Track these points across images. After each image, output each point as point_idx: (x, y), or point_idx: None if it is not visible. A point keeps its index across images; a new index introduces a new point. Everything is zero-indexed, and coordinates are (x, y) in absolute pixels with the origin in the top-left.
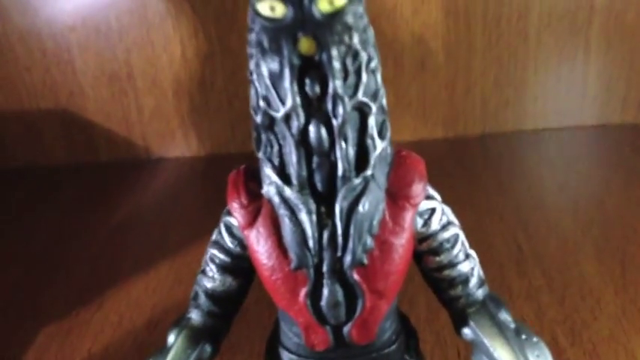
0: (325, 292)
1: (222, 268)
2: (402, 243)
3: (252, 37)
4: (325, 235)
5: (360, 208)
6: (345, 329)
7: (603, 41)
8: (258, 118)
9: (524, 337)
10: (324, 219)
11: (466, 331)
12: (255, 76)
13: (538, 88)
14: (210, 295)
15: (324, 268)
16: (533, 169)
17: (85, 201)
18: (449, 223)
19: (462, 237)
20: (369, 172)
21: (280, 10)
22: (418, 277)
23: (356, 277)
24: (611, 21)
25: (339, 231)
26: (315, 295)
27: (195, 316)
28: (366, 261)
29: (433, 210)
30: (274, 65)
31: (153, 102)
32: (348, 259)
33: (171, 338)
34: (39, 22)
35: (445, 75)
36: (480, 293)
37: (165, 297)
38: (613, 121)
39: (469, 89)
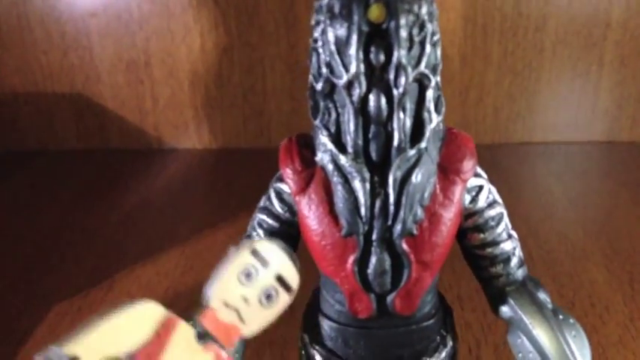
0: (373, 260)
1: (270, 233)
2: (450, 216)
3: (323, 2)
4: (377, 203)
5: (413, 178)
6: (389, 298)
7: (617, 58)
8: (319, 85)
9: (561, 317)
10: (377, 188)
11: (505, 309)
12: (319, 43)
13: (550, 101)
14: None
15: (374, 237)
16: (542, 180)
17: (95, 186)
18: (495, 202)
19: (506, 217)
20: (423, 145)
21: None
22: None
23: (405, 246)
24: (626, 38)
25: (391, 200)
26: (362, 262)
27: None
28: (415, 231)
29: (481, 187)
30: (342, 31)
31: (168, 92)
32: (398, 228)
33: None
34: (60, 5)
35: (459, 82)
36: (519, 273)
37: (176, 282)
38: (622, 138)
39: (482, 98)
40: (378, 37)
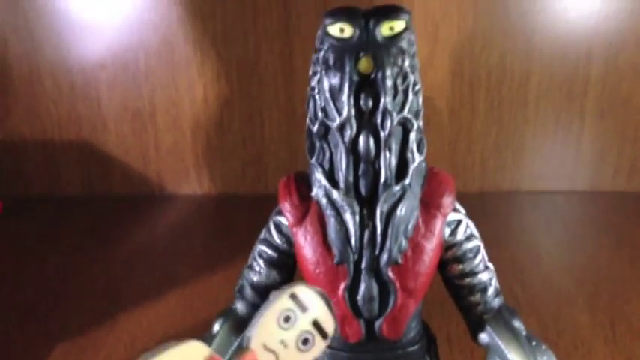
0: (362, 286)
1: (269, 262)
2: (432, 247)
3: (319, 56)
4: (366, 234)
5: (398, 212)
6: (377, 323)
7: (597, 111)
8: (315, 128)
9: (534, 343)
10: (366, 220)
11: (483, 336)
12: (316, 91)
13: (535, 152)
14: (256, 287)
15: (363, 265)
16: (529, 227)
17: (98, 230)
18: (472, 235)
19: (483, 249)
20: (407, 182)
21: (348, 32)
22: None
23: (390, 274)
24: (606, 92)
25: (379, 231)
26: (352, 289)
27: (240, 306)
28: (400, 260)
29: (459, 222)
30: (336, 80)
31: (171, 140)
32: (384, 257)
33: (216, 326)
34: (71, 58)
35: (448, 133)
36: (496, 302)
37: (176, 323)
38: (604, 188)
39: (470, 148)
40: (367, 86)
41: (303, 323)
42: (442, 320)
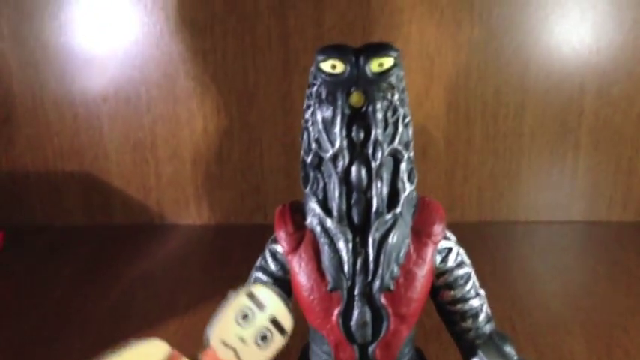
0: (355, 312)
1: None
2: (423, 274)
3: (313, 90)
4: (359, 261)
5: (390, 239)
6: (370, 349)
7: (591, 142)
8: (309, 159)
9: None
10: (359, 247)
11: None
12: (309, 124)
13: (530, 183)
14: None
15: (356, 291)
16: (526, 256)
17: (99, 259)
18: (463, 262)
19: (474, 276)
20: (398, 210)
21: (340, 68)
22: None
23: (383, 300)
24: (600, 124)
25: (371, 258)
26: (346, 315)
27: None
28: (392, 286)
29: (450, 249)
30: (328, 113)
31: (171, 170)
32: (377, 283)
33: None
34: (74, 90)
35: (445, 164)
36: (487, 327)
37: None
38: (599, 218)
39: (467, 179)
40: (358, 119)
41: (261, 320)
42: (439, 349)
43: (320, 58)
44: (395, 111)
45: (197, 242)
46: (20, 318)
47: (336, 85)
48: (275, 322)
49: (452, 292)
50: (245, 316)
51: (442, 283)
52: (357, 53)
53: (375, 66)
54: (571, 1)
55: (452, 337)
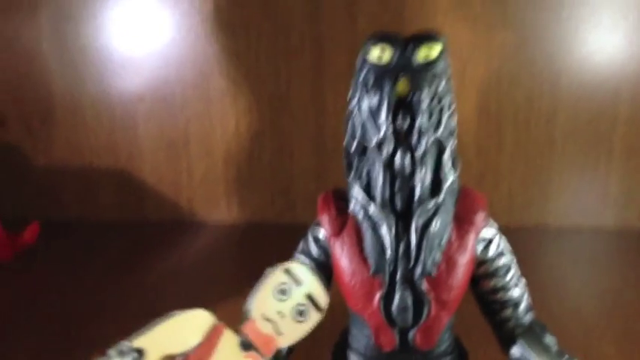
0: (397, 297)
1: None
2: (464, 262)
3: (359, 78)
4: (401, 247)
5: (432, 226)
6: (411, 333)
7: (625, 151)
8: (354, 146)
9: (565, 358)
10: (401, 234)
11: (514, 351)
12: (355, 111)
13: (562, 189)
14: None
15: (398, 276)
16: (556, 262)
17: (131, 254)
18: (504, 252)
19: (515, 266)
20: (441, 198)
21: (388, 56)
22: None
23: (424, 286)
24: (633, 132)
25: (413, 244)
26: (387, 299)
27: None
28: (434, 273)
29: (491, 239)
30: (374, 101)
31: (203, 169)
32: (419, 269)
33: None
34: (111, 91)
35: (475, 169)
36: (527, 318)
37: None
38: (631, 225)
39: (497, 184)
40: (403, 107)
41: (298, 296)
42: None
43: (369, 45)
44: (440, 100)
45: (226, 240)
46: (51, 311)
47: (383, 73)
48: (311, 299)
49: (492, 282)
50: (283, 291)
51: (483, 273)
52: (405, 41)
53: (422, 54)
54: (603, 11)
55: (491, 328)
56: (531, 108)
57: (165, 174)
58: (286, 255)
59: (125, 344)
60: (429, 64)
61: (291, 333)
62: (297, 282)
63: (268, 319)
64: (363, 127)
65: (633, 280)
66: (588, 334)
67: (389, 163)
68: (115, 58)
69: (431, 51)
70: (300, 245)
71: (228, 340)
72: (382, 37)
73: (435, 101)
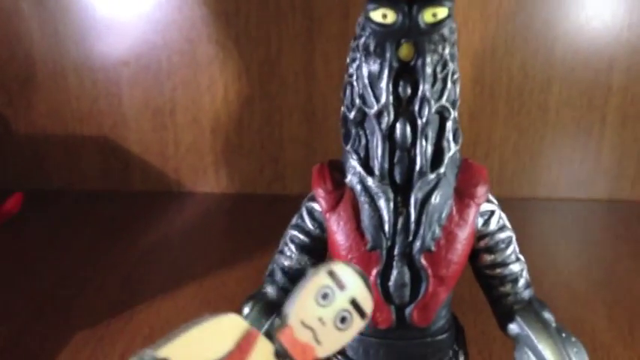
0: (394, 273)
1: (301, 247)
2: (464, 236)
3: (360, 42)
4: (400, 221)
5: (432, 200)
6: (407, 310)
7: (618, 120)
8: (352, 114)
9: (564, 335)
10: (400, 207)
11: (512, 326)
12: (354, 78)
13: (553, 159)
14: (287, 272)
15: (396, 251)
16: (547, 233)
17: (116, 225)
18: (505, 226)
19: (515, 241)
20: (442, 170)
21: (391, 18)
22: None
23: (423, 261)
24: (627, 102)
25: (412, 218)
26: (384, 275)
27: (270, 290)
28: (433, 248)
29: (492, 212)
30: (375, 67)
31: (190, 138)
32: (417, 244)
33: (246, 309)
34: (94, 55)
35: (467, 137)
36: (526, 294)
37: (193, 314)
38: (623, 196)
39: (488, 153)
40: (406, 73)
41: (341, 301)
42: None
43: (371, 6)
44: (445, 66)
45: (215, 210)
46: (36, 280)
47: (386, 37)
48: (355, 304)
49: (492, 256)
50: (325, 296)
51: (483, 247)
52: (410, 2)
53: (428, 16)
54: None
55: (489, 303)
56: (526, 76)
57: (151, 142)
58: (275, 225)
59: (148, 353)
60: (436, 26)
61: (331, 342)
62: (341, 286)
63: (307, 326)
64: (362, 94)
65: (624, 252)
66: (579, 306)
67: (389, 134)
68: (98, 20)
69: (437, 13)
70: (295, 219)
71: (262, 348)
72: (383, 1)
73: (440, 67)
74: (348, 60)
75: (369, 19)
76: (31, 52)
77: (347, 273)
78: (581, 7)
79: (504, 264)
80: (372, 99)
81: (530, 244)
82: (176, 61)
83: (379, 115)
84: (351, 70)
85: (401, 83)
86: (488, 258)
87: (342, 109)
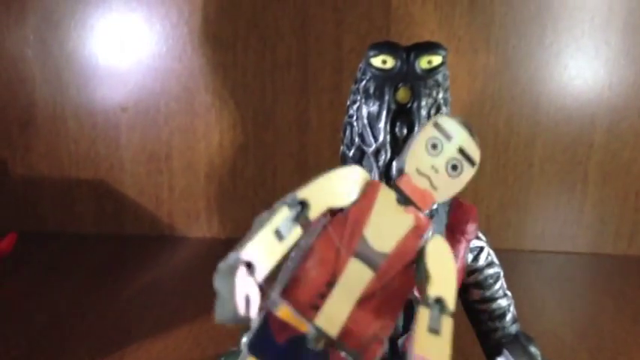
0: None
1: None
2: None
3: (360, 85)
4: None
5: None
6: (400, 341)
7: (600, 176)
8: (351, 152)
9: None
10: None
11: None
12: (354, 118)
13: (538, 213)
14: None
15: None
16: (532, 285)
17: (109, 268)
18: (493, 263)
19: (502, 277)
20: (434, 207)
21: (390, 64)
22: None
23: (415, 293)
24: (608, 159)
25: None
26: None
27: None
28: None
29: (482, 248)
30: (374, 108)
31: (184, 183)
32: None
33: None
34: (95, 100)
35: None
36: (513, 328)
37: (184, 356)
38: (605, 250)
39: (475, 205)
40: (402, 114)
41: (450, 150)
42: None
43: (372, 53)
44: (438, 109)
45: (206, 255)
46: (27, 322)
47: (385, 81)
48: (463, 152)
49: (481, 291)
50: (434, 146)
51: (472, 281)
52: (408, 50)
53: (424, 63)
54: (586, 36)
55: (477, 337)
56: (511, 131)
57: (145, 187)
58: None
59: (290, 196)
60: (431, 72)
61: (446, 188)
62: (448, 136)
63: (423, 174)
64: (362, 133)
65: (606, 304)
66: (565, 354)
67: (386, 171)
68: (101, 67)
69: (433, 60)
70: None
71: (386, 196)
72: (383, 49)
73: (434, 110)
74: (348, 102)
75: (369, 65)
76: (32, 96)
77: (451, 124)
78: (564, 67)
79: (493, 299)
80: (371, 138)
81: (516, 294)
82: (174, 108)
83: (377, 153)
84: (351, 112)
85: (398, 124)
86: (477, 293)
87: (342, 147)
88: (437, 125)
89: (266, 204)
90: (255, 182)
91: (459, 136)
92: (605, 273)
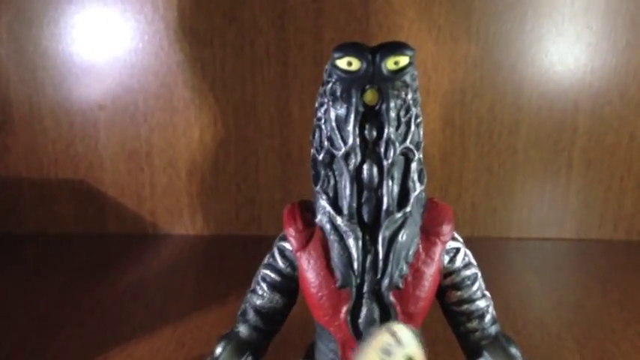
0: (364, 310)
1: (273, 286)
2: (431, 273)
3: (327, 87)
4: (368, 259)
5: (400, 238)
6: None
7: (584, 161)
8: (321, 156)
9: None
10: (368, 245)
11: None
12: (322, 121)
13: (524, 200)
14: (259, 311)
15: (365, 289)
16: (518, 271)
17: (91, 268)
18: (470, 263)
19: (480, 278)
20: (408, 209)
21: (355, 65)
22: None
23: (391, 298)
24: (592, 143)
25: (381, 256)
26: (354, 312)
27: (242, 329)
28: (401, 285)
29: (458, 249)
30: (342, 111)
31: (166, 180)
32: (386, 281)
33: (218, 349)
34: (71, 98)
35: (440, 179)
36: (493, 329)
37: (168, 357)
38: (591, 236)
39: (460, 195)
40: (371, 117)
41: (398, 357)
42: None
43: (336, 55)
44: (408, 110)
45: (190, 252)
46: (10, 323)
47: (351, 83)
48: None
49: (458, 293)
50: (387, 352)
51: (449, 283)
52: (373, 51)
53: (390, 64)
54: (567, 21)
55: (457, 339)
56: (494, 119)
57: (126, 185)
58: (251, 267)
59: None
60: (398, 73)
61: None
62: (400, 343)
63: None
64: (330, 137)
65: (593, 290)
66: (552, 342)
67: (356, 175)
68: (76, 64)
69: (399, 61)
70: (267, 258)
71: None
72: (348, 50)
73: (403, 111)
74: (316, 105)
75: (335, 67)
76: (7, 96)
77: (406, 333)
78: (545, 52)
79: (471, 300)
80: (340, 141)
81: (502, 282)
82: (152, 105)
83: (347, 156)
84: (319, 114)
85: (367, 126)
86: (455, 294)
87: (312, 151)
88: (392, 333)
89: (249, 199)
90: (238, 177)
91: (410, 345)
92: (591, 258)
